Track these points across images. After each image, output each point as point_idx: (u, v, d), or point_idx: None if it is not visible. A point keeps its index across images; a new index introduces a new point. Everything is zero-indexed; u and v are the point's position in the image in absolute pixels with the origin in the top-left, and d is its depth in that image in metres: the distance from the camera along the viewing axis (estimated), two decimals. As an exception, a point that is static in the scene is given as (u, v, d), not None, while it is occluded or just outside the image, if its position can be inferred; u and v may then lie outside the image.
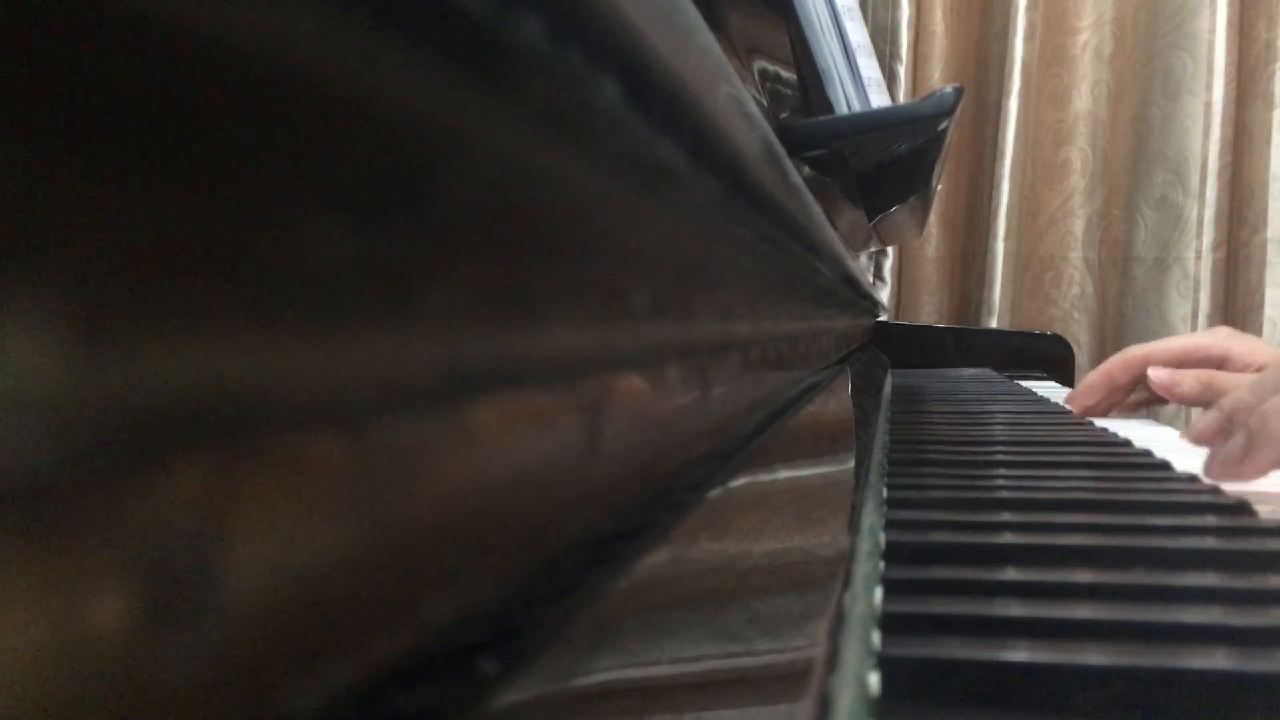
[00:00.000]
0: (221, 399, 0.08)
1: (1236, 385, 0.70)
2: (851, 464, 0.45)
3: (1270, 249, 1.77)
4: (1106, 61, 1.87)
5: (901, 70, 1.84)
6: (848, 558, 0.32)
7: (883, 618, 0.30)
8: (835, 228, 0.57)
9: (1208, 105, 1.78)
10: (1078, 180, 1.88)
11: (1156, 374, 0.89)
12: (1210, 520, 0.44)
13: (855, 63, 0.84)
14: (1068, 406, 0.96)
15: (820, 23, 0.79)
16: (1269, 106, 1.78)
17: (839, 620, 0.26)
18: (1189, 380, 0.87)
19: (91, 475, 0.07)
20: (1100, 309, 1.88)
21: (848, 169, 0.73)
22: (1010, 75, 1.83)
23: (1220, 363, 0.89)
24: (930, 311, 1.90)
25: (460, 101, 0.12)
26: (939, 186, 0.93)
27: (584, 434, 0.17)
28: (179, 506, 0.08)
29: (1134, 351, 0.96)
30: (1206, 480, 0.54)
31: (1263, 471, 0.57)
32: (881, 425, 0.69)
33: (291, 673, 0.09)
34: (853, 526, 0.36)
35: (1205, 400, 0.85)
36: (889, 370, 1.25)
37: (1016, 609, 0.31)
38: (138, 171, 0.07)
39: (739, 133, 0.25)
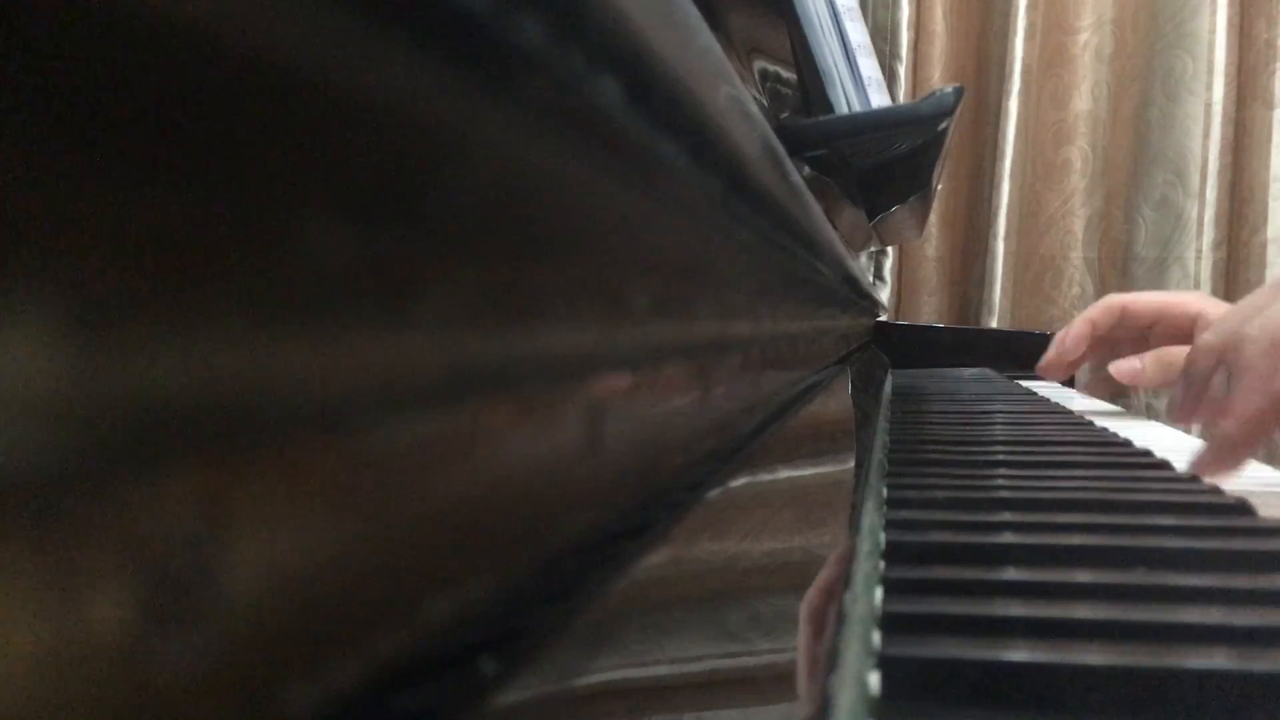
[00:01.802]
0: (222, 399, 0.08)
1: None
2: (851, 464, 0.45)
3: (1270, 249, 1.77)
4: (1107, 61, 1.87)
5: (902, 70, 1.84)
6: (848, 558, 0.32)
7: (883, 618, 0.30)
8: (835, 227, 0.57)
9: (1208, 105, 1.78)
10: (1078, 180, 1.88)
11: (1119, 368, 0.95)
12: (1210, 520, 0.44)
13: (855, 63, 0.84)
14: (1070, 407, 0.96)
15: (820, 22, 0.79)
16: (1269, 106, 1.78)
17: (839, 620, 0.26)
18: (1150, 368, 0.94)
19: (91, 475, 0.07)
20: (1100, 309, 1.88)
21: (848, 169, 0.73)
22: (1010, 75, 1.83)
23: (1193, 320, 0.93)
24: (930, 311, 1.90)
25: (461, 101, 0.12)
26: (939, 186, 0.94)
27: (584, 434, 0.17)
28: (179, 507, 0.08)
29: (1114, 299, 1.02)
30: (1198, 471, 0.54)
31: (1254, 405, 0.54)
32: (881, 425, 0.69)
33: (292, 673, 0.09)
34: (853, 526, 0.36)
35: (1168, 381, 0.88)
36: (889, 370, 1.25)
37: (1017, 609, 0.31)
38: (139, 171, 0.07)
39: (739, 132, 0.25)
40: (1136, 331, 0.99)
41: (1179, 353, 0.87)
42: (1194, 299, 0.98)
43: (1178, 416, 0.61)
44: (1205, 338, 0.60)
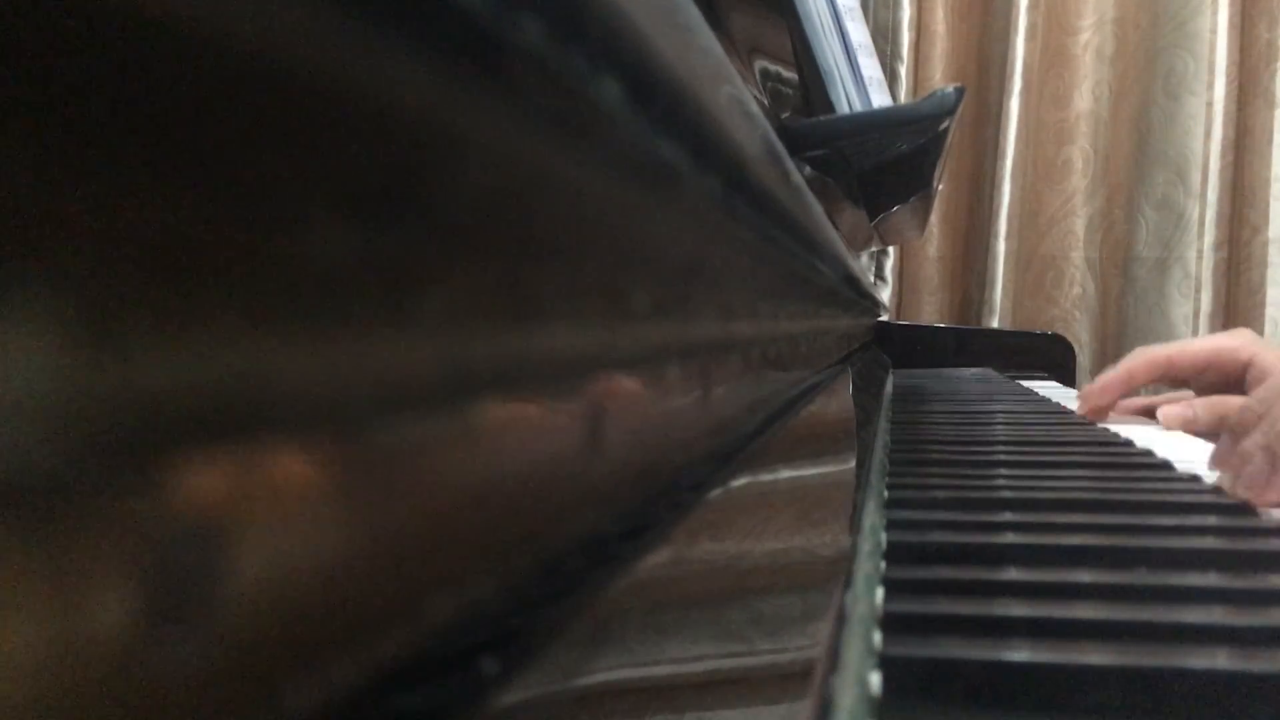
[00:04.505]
0: (223, 399, 0.08)
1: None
2: (853, 464, 0.45)
3: (1271, 249, 1.77)
4: (1108, 61, 1.87)
5: (903, 70, 1.84)
6: (849, 558, 0.32)
7: (884, 618, 0.30)
8: (836, 227, 0.57)
9: (1209, 105, 1.78)
10: (1079, 180, 1.88)
11: (1168, 414, 0.86)
12: (1211, 520, 0.44)
13: (856, 62, 0.84)
14: (1070, 406, 0.95)
15: (821, 22, 0.79)
16: (1270, 106, 1.78)
17: (840, 620, 0.26)
18: (1204, 416, 0.84)
19: (92, 475, 0.07)
20: (1101, 309, 1.88)
21: (849, 169, 0.73)
22: (1011, 75, 1.83)
23: (1244, 369, 0.87)
24: (931, 311, 1.90)
25: (462, 101, 0.12)
26: (940, 186, 0.93)
27: (585, 434, 0.17)
28: (180, 506, 0.08)
29: (1158, 352, 0.93)
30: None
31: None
32: (882, 425, 0.69)
33: (293, 673, 0.09)
34: (854, 526, 0.36)
35: (1219, 429, 0.83)
36: (890, 370, 1.25)
37: (1018, 609, 0.31)
38: (139, 171, 0.07)
39: (740, 132, 0.25)
40: (1182, 381, 0.91)
41: (1233, 403, 0.80)
42: (1244, 344, 0.89)
43: (1219, 468, 0.60)
44: (1253, 404, 0.59)
